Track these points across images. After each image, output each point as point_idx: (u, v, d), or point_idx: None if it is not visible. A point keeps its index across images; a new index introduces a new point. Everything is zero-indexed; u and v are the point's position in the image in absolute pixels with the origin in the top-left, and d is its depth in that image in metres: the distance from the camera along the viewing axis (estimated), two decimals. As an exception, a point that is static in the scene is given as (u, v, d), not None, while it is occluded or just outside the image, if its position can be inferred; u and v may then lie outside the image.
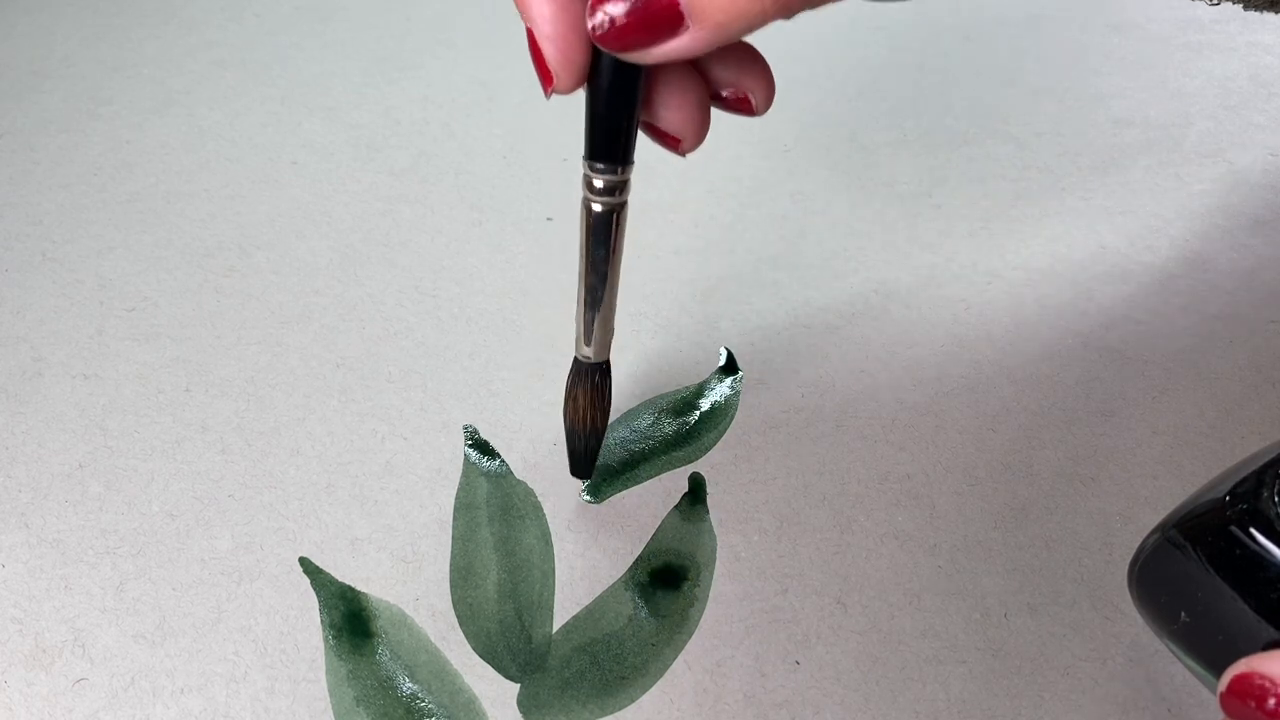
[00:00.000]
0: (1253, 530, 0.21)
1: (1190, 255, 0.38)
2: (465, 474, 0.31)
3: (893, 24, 0.52)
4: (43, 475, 0.31)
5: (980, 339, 0.35)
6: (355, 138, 0.44)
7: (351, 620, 0.27)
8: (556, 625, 0.27)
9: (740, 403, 0.33)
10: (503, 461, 0.31)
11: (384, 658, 0.26)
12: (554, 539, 0.29)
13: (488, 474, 0.31)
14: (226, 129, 0.44)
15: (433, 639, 0.27)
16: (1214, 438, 0.32)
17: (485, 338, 0.35)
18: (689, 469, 0.31)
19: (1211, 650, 0.22)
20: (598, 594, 0.28)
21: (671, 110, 0.23)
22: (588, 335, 0.26)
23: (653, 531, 0.29)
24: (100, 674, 0.26)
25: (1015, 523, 0.30)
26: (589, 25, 0.20)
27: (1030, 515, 0.30)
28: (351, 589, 0.28)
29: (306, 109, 0.45)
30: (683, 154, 0.24)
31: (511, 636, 0.27)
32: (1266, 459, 0.22)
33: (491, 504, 0.30)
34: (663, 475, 0.31)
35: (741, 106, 0.23)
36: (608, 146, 0.23)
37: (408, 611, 0.27)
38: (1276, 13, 0.32)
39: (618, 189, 0.23)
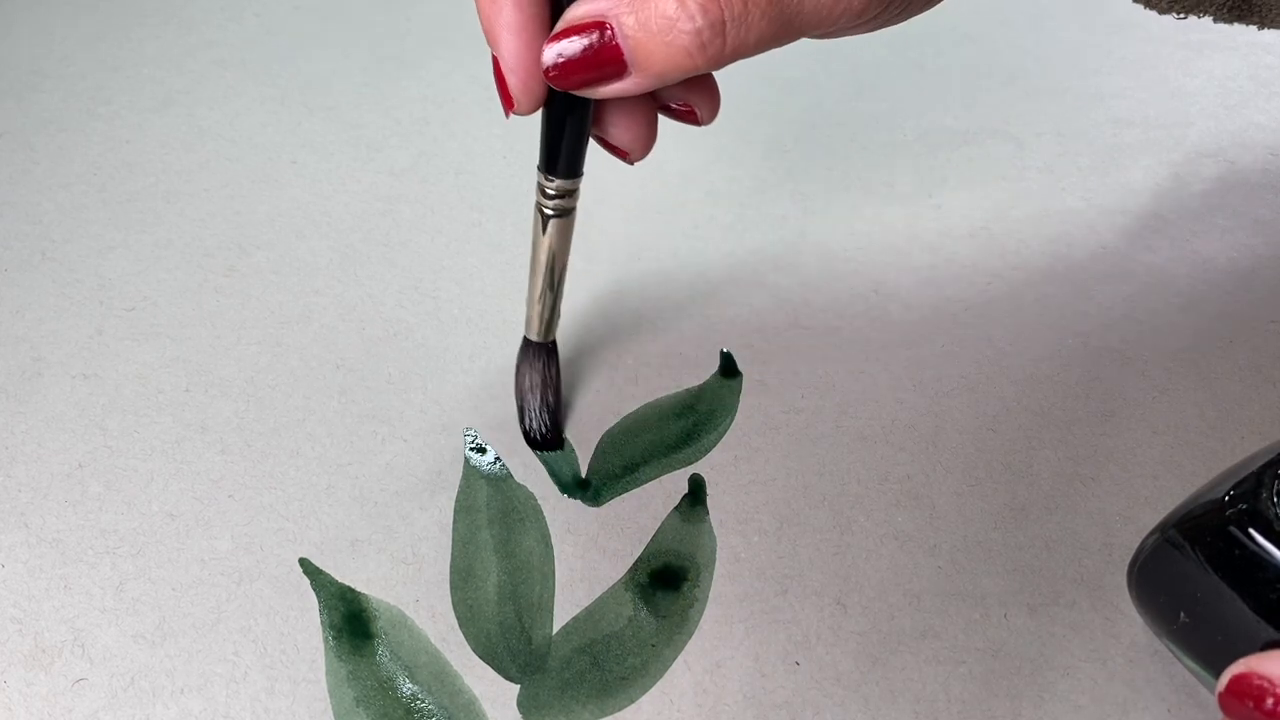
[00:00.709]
0: (1252, 530, 0.21)
1: (1190, 255, 0.38)
2: (466, 476, 0.31)
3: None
4: (42, 475, 0.31)
5: (980, 339, 0.35)
6: (355, 138, 0.44)
7: (351, 621, 0.27)
8: (556, 626, 0.27)
9: (740, 404, 0.33)
10: (503, 464, 0.31)
11: (384, 659, 0.26)
12: (554, 541, 0.29)
13: (488, 477, 0.31)
14: (226, 129, 0.44)
15: (433, 640, 0.27)
16: (1214, 438, 0.32)
17: (486, 339, 0.35)
18: (689, 470, 0.31)
19: (1210, 650, 0.23)
20: (598, 595, 0.28)
21: (620, 129, 0.25)
22: (539, 320, 0.30)
23: (652, 533, 0.29)
24: (100, 674, 0.26)
25: (1015, 523, 0.30)
26: (542, 63, 0.22)
27: (1030, 515, 0.30)
28: (351, 590, 0.28)
29: (306, 109, 0.45)
30: (631, 164, 0.26)
31: (511, 638, 0.27)
32: (1266, 459, 0.22)
33: (492, 507, 0.30)
34: (662, 477, 0.31)
35: (688, 118, 0.25)
36: (559, 161, 0.26)
37: (408, 613, 0.27)
38: (1246, 24, 0.32)
39: (567, 195, 0.26)
